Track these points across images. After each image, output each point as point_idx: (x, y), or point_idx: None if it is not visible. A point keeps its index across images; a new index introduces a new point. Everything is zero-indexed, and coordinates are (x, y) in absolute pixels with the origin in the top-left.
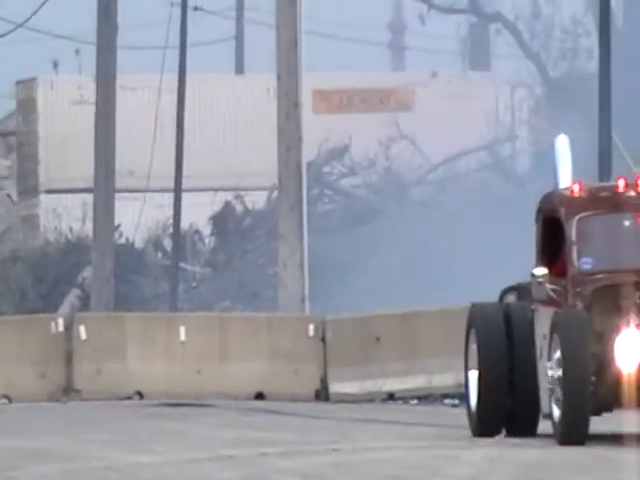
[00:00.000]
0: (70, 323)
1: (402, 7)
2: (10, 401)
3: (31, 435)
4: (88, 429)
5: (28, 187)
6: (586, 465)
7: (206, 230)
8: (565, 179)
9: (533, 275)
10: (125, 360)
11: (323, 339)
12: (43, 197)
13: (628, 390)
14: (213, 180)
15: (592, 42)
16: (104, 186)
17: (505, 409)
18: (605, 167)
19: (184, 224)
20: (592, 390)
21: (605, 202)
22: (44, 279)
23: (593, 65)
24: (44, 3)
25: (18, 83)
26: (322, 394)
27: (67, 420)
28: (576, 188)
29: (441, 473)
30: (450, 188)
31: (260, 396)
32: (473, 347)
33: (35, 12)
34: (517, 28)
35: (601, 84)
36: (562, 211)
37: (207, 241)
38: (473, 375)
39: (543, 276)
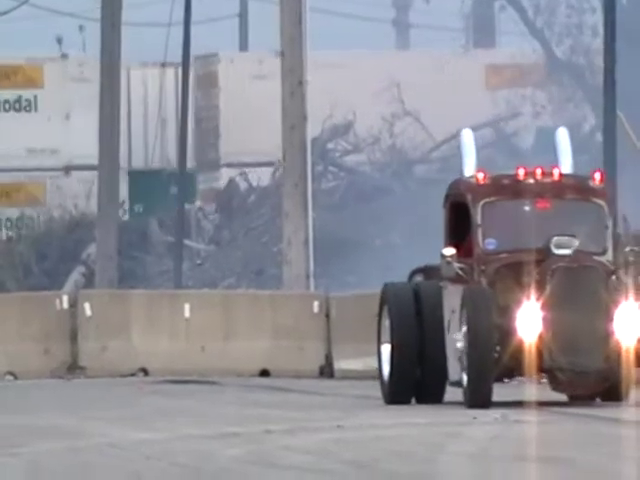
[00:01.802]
0: (74, 300)
1: None
2: (15, 378)
3: (36, 412)
4: (92, 406)
5: (208, 161)
6: (587, 441)
7: (210, 207)
8: (470, 168)
9: (442, 255)
10: (129, 337)
11: (327, 316)
12: (224, 171)
13: (528, 358)
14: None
15: (597, 18)
16: (108, 163)
17: (415, 379)
18: (610, 143)
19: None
20: (496, 358)
21: (507, 189)
22: (48, 256)
23: (598, 41)
24: None
25: (197, 58)
26: (326, 371)
27: (72, 397)
28: (480, 176)
29: (444, 450)
30: (454, 165)
31: (265, 373)
32: (386, 323)
33: None
34: (521, 4)
35: (606, 61)
36: (468, 197)
37: (211, 218)
38: (386, 349)
39: (451, 256)
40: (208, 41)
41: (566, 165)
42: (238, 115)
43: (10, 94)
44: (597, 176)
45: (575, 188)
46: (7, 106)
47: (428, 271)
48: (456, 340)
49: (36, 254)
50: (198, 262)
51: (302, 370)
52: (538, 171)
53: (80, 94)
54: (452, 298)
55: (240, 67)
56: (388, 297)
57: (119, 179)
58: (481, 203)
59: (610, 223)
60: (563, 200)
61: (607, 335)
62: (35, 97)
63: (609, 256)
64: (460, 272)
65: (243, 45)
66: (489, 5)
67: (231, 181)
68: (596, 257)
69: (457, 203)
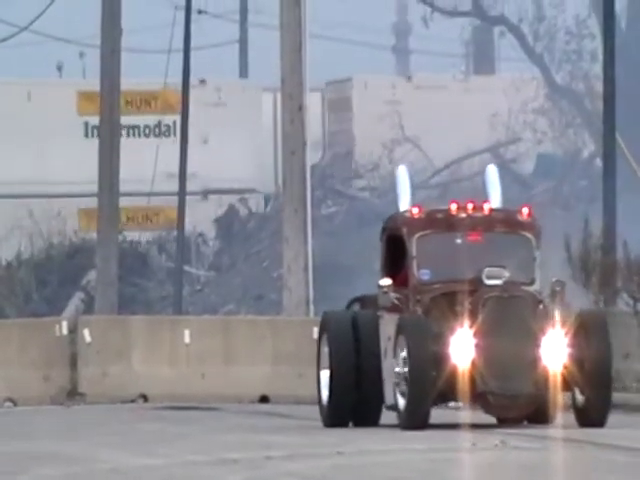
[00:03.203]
0: (74, 326)
1: (406, 10)
2: (15, 404)
3: (36, 438)
4: (92, 432)
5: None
6: (586, 468)
7: (210, 233)
8: (405, 203)
9: (379, 285)
10: (129, 363)
11: None
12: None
13: (462, 383)
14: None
15: (596, 44)
16: (109, 189)
17: (352, 403)
18: (609, 169)
19: (188, 227)
20: (433, 383)
21: (440, 222)
22: (48, 282)
23: (597, 67)
24: (48, 6)
25: (329, 84)
26: None
27: (72, 423)
28: (415, 211)
29: (442, 476)
30: (454, 191)
31: (264, 399)
32: (325, 350)
33: (39, 15)
34: (521, 31)
35: (605, 86)
36: (404, 230)
37: (211, 244)
38: (325, 374)
39: (388, 286)
40: (208, 67)
41: (495, 200)
42: (371, 139)
43: (150, 119)
44: (525, 210)
45: (504, 222)
46: (147, 131)
47: (365, 300)
48: (393, 366)
49: (36, 280)
50: (198, 288)
51: (302, 396)
52: (470, 205)
53: (217, 118)
54: (388, 326)
55: (373, 92)
56: (327, 325)
57: (119, 204)
58: (416, 236)
59: (538, 255)
60: (493, 233)
61: (535, 361)
62: (174, 122)
63: (537, 286)
64: (396, 301)
65: (243, 71)
66: (489, 31)
67: (231, 207)
68: (525, 287)
69: (393, 236)
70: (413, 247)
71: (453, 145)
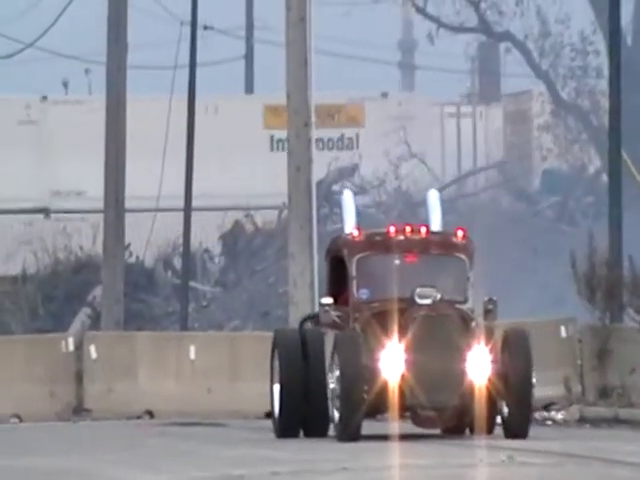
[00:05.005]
0: (80, 342)
1: (412, 26)
2: (21, 420)
3: (42, 454)
4: (98, 448)
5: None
6: None
7: (216, 249)
8: (349, 226)
9: (321, 304)
10: (135, 379)
11: None
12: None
13: (392, 396)
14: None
15: (601, 60)
16: (114, 205)
17: (302, 415)
18: (615, 185)
19: (194, 243)
20: (366, 397)
21: (379, 244)
22: (54, 298)
23: (602, 83)
24: (54, 23)
25: (507, 96)
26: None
27: (78, 439)
28: (356, 233)
29: None
30: (460, 207)
31: (270, 415)
32: (276, 365)
33: (45, 32)
34: (526, 47)
35: (611, 102)
36: (345, 252)
37: (217, 260)
38: (276, 388)
39: (329, 304)
40: (214, 83)
41: (436, 223)
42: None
43: (334, 132)
44: (460, 233)
45: (440, 244)
46: (330, 144)
47: (317, 318)
48: (329, 381)
49: (42, 296)
50: (204, 304)
51: None
52: (407, 228)
53: (399, 131)
54: (330, 343)
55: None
56: (278, 342)
57: (125, 220)
58: (356, 257)
59: (471, 275)
60: (429, 255)
61: (461, 375)
62: (357, 135)
63: (470, 304)
64: (337, 319)
65: (249, 87)
66: (494, 47)
67: (237, 223)
68: (458, 305)
69: (336, 257)
70: (353, 268)
71: (458, 161)
